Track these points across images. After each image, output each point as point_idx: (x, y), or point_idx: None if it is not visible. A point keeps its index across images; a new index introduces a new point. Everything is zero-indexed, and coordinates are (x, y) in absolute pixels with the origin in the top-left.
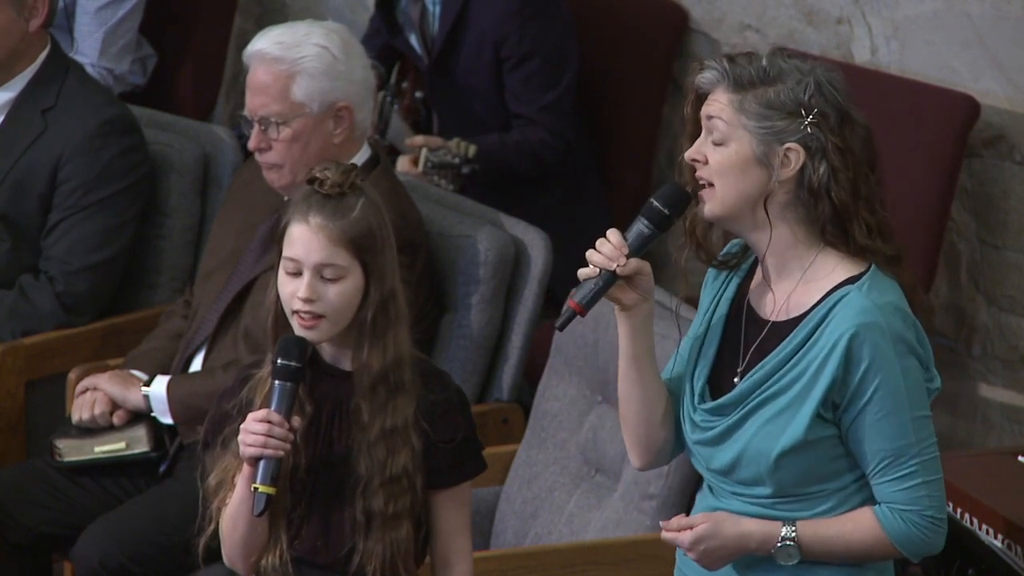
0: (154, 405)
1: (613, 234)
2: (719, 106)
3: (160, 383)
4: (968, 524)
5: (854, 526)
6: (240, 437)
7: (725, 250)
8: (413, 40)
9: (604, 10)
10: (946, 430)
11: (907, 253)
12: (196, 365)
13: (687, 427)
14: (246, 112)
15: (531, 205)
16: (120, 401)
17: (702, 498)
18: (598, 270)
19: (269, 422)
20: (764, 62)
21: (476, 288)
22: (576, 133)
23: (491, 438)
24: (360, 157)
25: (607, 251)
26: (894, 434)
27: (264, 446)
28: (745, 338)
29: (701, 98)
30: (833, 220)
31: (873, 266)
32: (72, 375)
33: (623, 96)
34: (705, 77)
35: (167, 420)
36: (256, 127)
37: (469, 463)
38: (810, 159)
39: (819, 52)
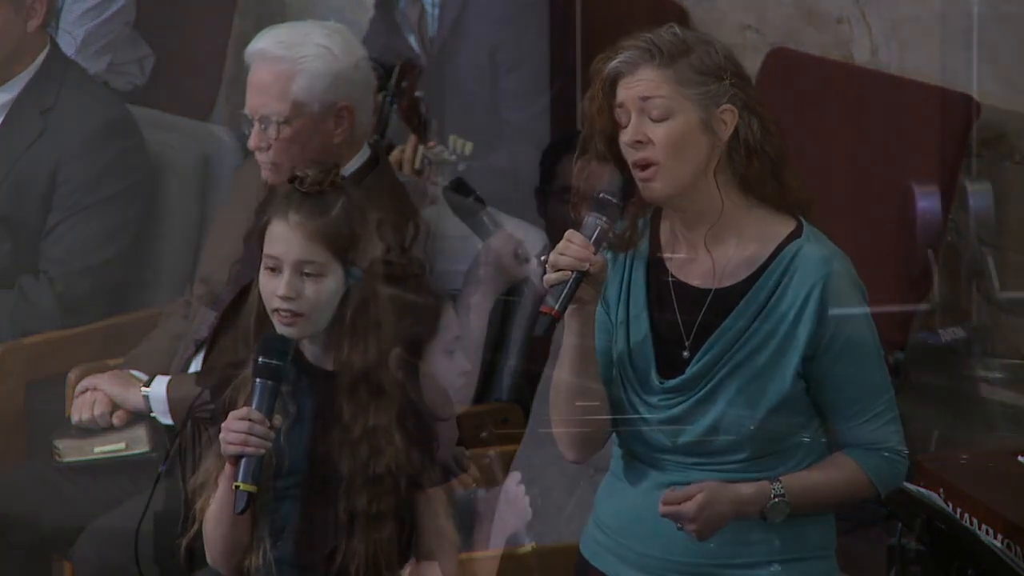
0: (154, 406)
1: (575, 235)
2: (650, 84)
3: (160, 383)
4: (968, 524)
5: (836, 472)
6: (221, 435)
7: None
8: (412, 41)
9: (604, 11)
10: (946, 430)
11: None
12: (196, 365)
13: (641, 410)
14: (247, 111)
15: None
16: (120, 401)
17: (619, 482)
18: (571, 273)
19: (250, 420)
20: (678, 32)
21: (476, 288)
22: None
23: (491, 438)
24: (360, 157)
25: (575, 252)
26: (868, 377)
27: (245, 444)
28: (681, 312)
29: (613, 85)
30: (773, 175)
31: (801, 218)
32: (72, 375)
33: None
34: (628, 58)
35: (167, 420)
36: (256, 125)
37: (453, 463)
38: (742, 118)
39: (819, 52)
